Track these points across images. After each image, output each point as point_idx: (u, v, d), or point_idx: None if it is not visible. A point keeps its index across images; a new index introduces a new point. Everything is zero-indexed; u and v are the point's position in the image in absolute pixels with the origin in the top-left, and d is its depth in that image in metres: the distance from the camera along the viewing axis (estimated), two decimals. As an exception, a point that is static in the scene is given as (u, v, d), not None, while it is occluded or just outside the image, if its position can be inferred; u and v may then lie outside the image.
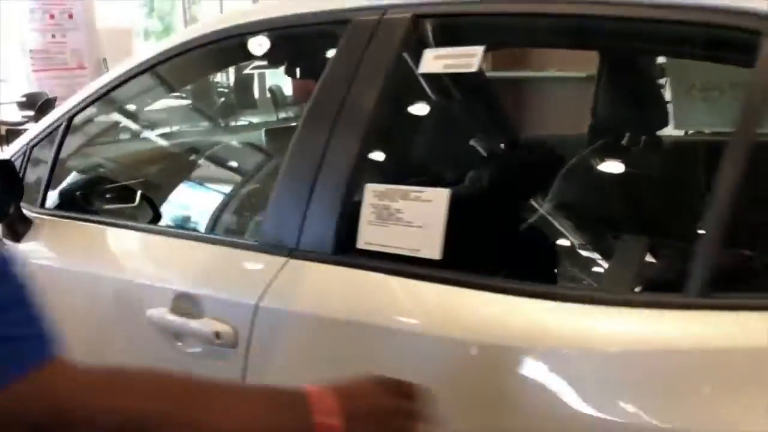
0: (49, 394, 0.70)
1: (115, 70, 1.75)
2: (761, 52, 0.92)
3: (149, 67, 1.69)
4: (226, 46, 1.68)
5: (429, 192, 1.17)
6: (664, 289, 0.94)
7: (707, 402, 0.84)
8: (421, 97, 1.68)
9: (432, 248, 1.13)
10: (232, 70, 6.11)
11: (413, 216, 1.16)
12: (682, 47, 1.52)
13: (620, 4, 1.09)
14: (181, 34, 1.72)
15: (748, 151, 0.91)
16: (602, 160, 1.57)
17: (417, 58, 1.24)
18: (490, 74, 5.09)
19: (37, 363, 0.69)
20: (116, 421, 0.73)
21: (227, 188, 2.00)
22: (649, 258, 1.34)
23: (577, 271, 1.20)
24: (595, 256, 1.35)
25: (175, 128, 3.14)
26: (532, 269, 1.27)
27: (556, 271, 1.29)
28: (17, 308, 0.70)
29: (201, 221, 1.93)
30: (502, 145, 1.82)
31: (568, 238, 1.42)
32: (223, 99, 5.63)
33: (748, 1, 0.97)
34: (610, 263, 1.30)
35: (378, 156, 1.64)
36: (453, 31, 1.36)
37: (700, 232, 0.91)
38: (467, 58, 1.19)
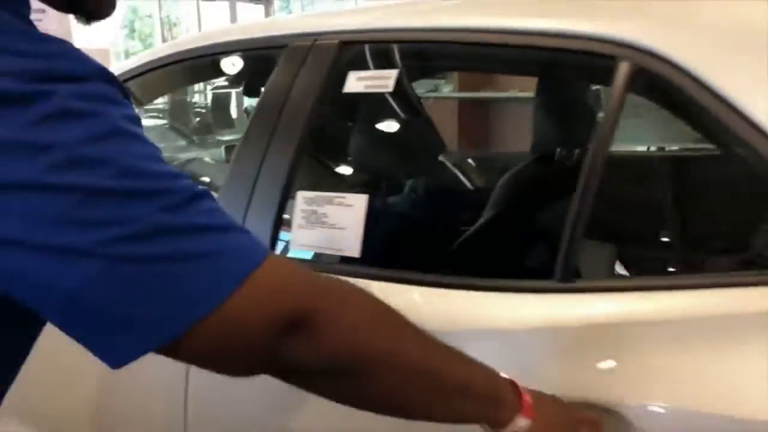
0: (286, 286, 0.63)
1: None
2: (615, 74, 1.07)
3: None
4: (183, 67, 1.82)
5: (350, 197, 1.30)
6: (536, 276, 1.08)
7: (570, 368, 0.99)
8: (348, 113, 1.83)
9: (353, 248, 1.27)
10: (209, 92, 6.26)
11: (337, 219, 1.30)
12: (555, 71, 1.68)
13: (503, 33, 1.21)
14: (140, 57, 1.87)
15: (602, 161, 1.05)
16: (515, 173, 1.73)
17: (343, 79, 1.39)
18: (457, 94, 5.29)
19: (264, 256, 0.62)
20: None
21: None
22: (528, 249, 1.49)
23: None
24: (493, 249, 1.50)
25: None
26: (444, 263, 1.42)
27: (463, 264, 1.44)
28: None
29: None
30: (428, 156, 1.98)
31: (480, 237, 1.58)
32: (198, 118, 5.77)
33: (609, 27, 1.11)
34: (499, 255, 1.46)
35: (310, 166, 1.78)
36: (374, 55, 1.51)
37: (565, 228, 1.06)
38: (384, 80, 1.34)
